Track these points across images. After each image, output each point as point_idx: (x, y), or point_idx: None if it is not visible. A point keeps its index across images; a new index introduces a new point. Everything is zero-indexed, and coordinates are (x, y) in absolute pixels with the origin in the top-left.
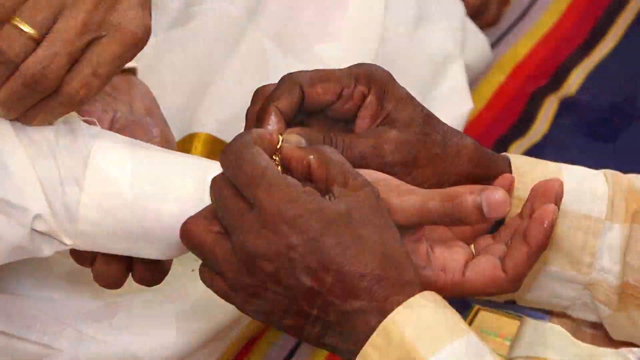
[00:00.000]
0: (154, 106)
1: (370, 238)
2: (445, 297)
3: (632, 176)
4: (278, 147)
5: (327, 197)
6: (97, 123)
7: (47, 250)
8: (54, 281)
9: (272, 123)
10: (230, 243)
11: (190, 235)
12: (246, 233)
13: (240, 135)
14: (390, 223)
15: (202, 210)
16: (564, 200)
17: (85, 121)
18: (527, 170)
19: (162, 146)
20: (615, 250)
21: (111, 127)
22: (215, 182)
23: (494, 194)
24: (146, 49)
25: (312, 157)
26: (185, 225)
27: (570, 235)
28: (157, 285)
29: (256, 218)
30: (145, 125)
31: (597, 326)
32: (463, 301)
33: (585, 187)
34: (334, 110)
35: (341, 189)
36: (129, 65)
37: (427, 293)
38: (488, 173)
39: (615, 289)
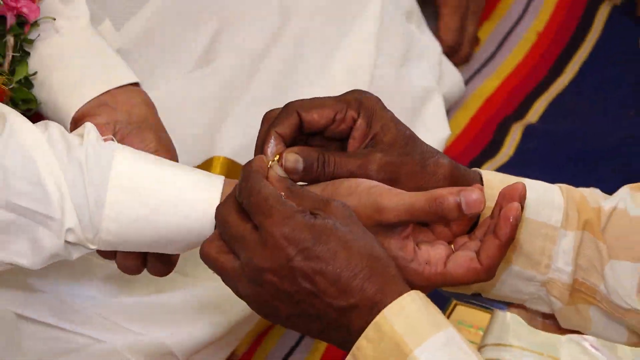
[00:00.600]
0: (151, 116)
1: (355, 243)
2: (430, 288)
3: (583, 190)
4: (269, 165)
5: (313, 216)
6: (114, 139)
7: (75, 254)
8: (96, 284)
9: (271, 146)
10: (239, 261)
11: (206, 257)
12: (252, 252)
13: (246, 165)
14: (366, 230)
15: (215, 232)
16: (526, 210)
17: (105, 139)
18: (496, 183)
19: (164, 155)
20: (568, 254)
21: (114, 136)
22: (219, 210)
23: (471, 194)
24: (172, 87)
25: (282, 193)
26: (203, 249)
27: (531, 241)
28: (184, 288)
29: (259, 238)
30: (142, 132)
31: (548, 316)
32: (443, 297)
33: (544, 199)
34: (330, 131)
35: (323, 210)
36: (130, 80)
37: (413, 292)
38: (456, 184)
39: (567, 286)
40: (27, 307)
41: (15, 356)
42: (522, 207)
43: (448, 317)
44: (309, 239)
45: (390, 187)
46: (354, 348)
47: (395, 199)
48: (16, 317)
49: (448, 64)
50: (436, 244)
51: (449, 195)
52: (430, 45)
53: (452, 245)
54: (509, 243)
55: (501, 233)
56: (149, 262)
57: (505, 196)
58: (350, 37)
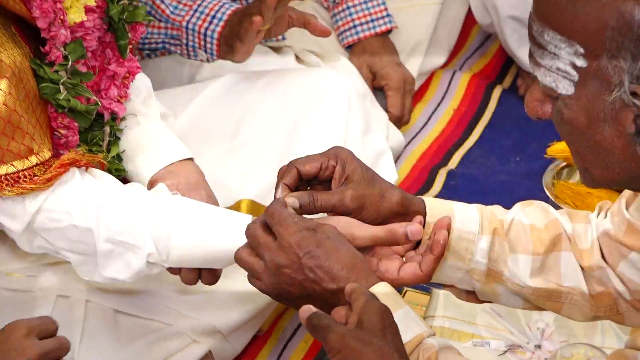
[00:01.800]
0: (201, 179)
1: (342, 247)
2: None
3: (490, 207)
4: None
5: (315, 231)
6: (179, 193)
7: (155, 271)
8: (166, 287)
9: (279, 192)
10: (263, 261)
11: (239, 259)
12: (274, 254)
13: (274, 201)
14: (347, 241)
15: (244, 244)
16: (455, 222)
17: (173, 193)
18: (435, 206)
19: (209, 203)
20: (484, 251)
21: (177, 191)
22: (249, 227)
23: (414, 227)
24: (212, 155)
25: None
26: (236, 254)
27: (459, 243)
28: (225, 287)
29: (278, 244)
30: (197, 191)
31: (470, 292)
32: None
33: (466, 215)
34: (319, 177)
35: (319, 227)
36: (186, 156)
37: (382, 283)
38: (409, 210)
39: (483, 272)
40: (121, 305)
41: (115, 338)
42: (449, 232)
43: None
44: (312, 244)
45: (359, 222)
46: None
47: (364, 231)
48: (114, 312)
49: (393, 128)
50: (392, 258)
51: (399, 228)
52: (380, 116)
53: (404, 258)
54: (440, 257)
55: (435, 251)
56: (202, 275)
57: (438, 225)
58: (328, 115)
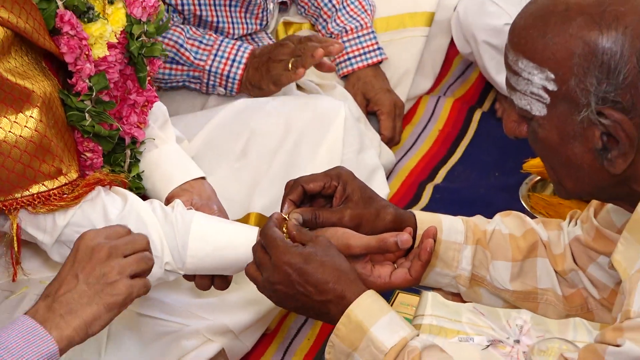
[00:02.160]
0: (213, 195)
1: (328, 262)
2: (382, 291)
3: (474, 218)
4: (286, 221)
5: (304, 246)
6: (193, 208)
7: (171, 278)
8: (183, 292)
9: (286, 208)
10: (262, 277)
11: (247, 273)
12: (268, 272)
13: (268, 220)
14: (339, 253)
15: (252, 260)
16: (443, 233)
17: (188, 208)
18: (424, 220)
19: (221, 217)
20: (468, 258)
21: (192, 206)
22: (253, 248)
23: (403, 236)
24: (223, 173)
25: (294, 232)
26: (245, 269)
27: (446, 252)
28: (236, 291)
29: (271, 264)
30: (209, 206)
31: (456, 294)
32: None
33: (453, 227)
34: (322, 195)
35: (310, 242)
36: (199, 175)
37: (369, 291)
38: (402, 226)
39: (468, 278)
40: (142, 308)
41: (137, 338)
42: (435, 241)
43: (394, 301)
44: (300, 262)
45: (354, 233)
46: (334, 329)
47: (358, 241)
48: (137, 314)
49: (385, 148)
50: (385, 264)
51: (390, 237)
52: (373, 137)
53: (395, 264)
54: (427, 262)
55: (422, 257)
56: (215, 281)
57: (425, 234)
58: (327, 137)
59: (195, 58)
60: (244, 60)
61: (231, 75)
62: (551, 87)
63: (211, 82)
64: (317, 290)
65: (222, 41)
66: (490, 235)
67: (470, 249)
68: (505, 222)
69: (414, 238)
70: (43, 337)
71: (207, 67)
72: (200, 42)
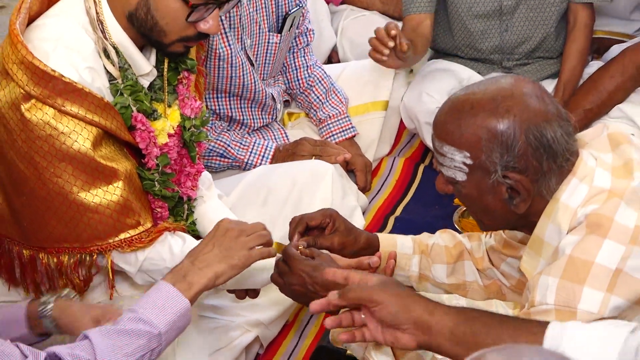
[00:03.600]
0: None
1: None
2: None
3: (421, 236)
4: (299, 248)
5: (312, 259)
6: None
7: (218, 291)
8: (229, 299)
9: (296, 237)
10: (283, 281)
11: (272, 280)
12: (288, 277)
13: (287, 245)
14: (336, 264)
15: (275, 272)
16: (397, 248)
17: None
18: (385, 239)
19: None
20: (416, 264)
21: None
22: (276, 262)
23: (374, 259)
24: (250, 216)
25: (307, 251)
26: (272, 277)
27: (401, 260)
28: (264, 295)
29: (291, 271)
30: None
31: (410, 287)
32: None
33: (404, 243)
34: (320, 227)
35: (317, 257)
36: (235, 219)
37: None
38: (371, 246)
39: (417, 277)
40: (202, 310)
41: (198, 332)
42: (395, 262)
43: None
44: (310, 270)
45: (341, 257)
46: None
47: (344, 262)
48: (198, 315)
49: (361, 194)
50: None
51: (365, 260)
52: (352, 187)
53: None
54: (391, 275)
55: (387, 272)
56: (249, 292)
57: (388, 257)
58: (320, 188)
59: (237, 154)
60: (270, 156)
61: (262, 164)
62: (468, 162)
63: (247, 168)
64: (323, 289)
65: (255, 142)
66: (431, 247)
67: (417, 257)
68: (442, 237)
69: (376, 252)
70: (177, 296)
71: (245, 160)
72: (241, 143)
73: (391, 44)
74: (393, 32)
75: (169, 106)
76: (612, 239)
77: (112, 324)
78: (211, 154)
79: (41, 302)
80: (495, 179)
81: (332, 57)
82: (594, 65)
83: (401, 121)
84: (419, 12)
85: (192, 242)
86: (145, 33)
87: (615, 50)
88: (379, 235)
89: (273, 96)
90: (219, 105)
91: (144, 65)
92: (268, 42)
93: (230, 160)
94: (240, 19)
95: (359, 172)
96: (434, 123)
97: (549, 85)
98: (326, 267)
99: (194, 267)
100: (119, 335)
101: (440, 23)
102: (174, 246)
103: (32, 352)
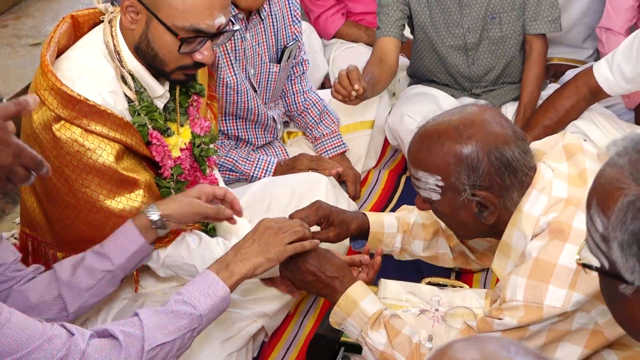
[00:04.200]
0: None
1: (335, 259)
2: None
3: (403, 214)
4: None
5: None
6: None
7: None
8: (238, 293)
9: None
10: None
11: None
12: (297, 273)
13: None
14: (337, 257)
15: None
16: (384, 227)
17: None
18: (374, 219)
19: None
20: (399, 241)
21: None
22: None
23: (364, 257)
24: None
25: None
26: (279, 270)
27: (387, 238)
28: (269, 290)
29: (301, 261)
30: None
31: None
32: None
33: (389, 222)
34: (320, 224)
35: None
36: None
37: (358, 282)
38: (362, 230)
39: (399, 251)
40: None
41: (224, 324)
42: (381, 257)
43: None
44: (316, 260)
45: (338, 253)
46: (337, 303)
47: (340, 257)
48: None
49: (351, 202)
50: (354, 270)
51: (357, 258)
52: (343, 196)
53: (360, 269)
54: (377, 270)
55: (374, 268)
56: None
57: (376, 254)
58: (316, 197)
59: (244, 168)
60: (272, 169)
61: (265, 177)
62: (440, 183)
63: (253, 180)
64: (326, 276)
65: (259, 158)
66: (412, 226)
67: (400, 235)
68: (421, 215)
69: (366, 234)
70: (219, 283)
71: (251, 173)
72: (247, 159)
73: (354, 93)
74: (355, 84)
75: (182, 125)
76: (572, 243)
77: (161, 305)
78: (221, 169)
79: (144, 213)
80: (465, 197)
81: (325, 83)
82: (552, 88)
83: (385, 138)
84: (387, 36)
85: (208, 241)
86: (149, 63)
87: (569, 74)
88: (369, 217)
89: (274, 118)
90: (227, 126)
91: (157, 89)
92: (269, 72)
93: (238, 174)
94: (244, 52)
95: (350, 183)
96: (409, 152)
97: (513, 107)
98: (331, 257)
99: (236, 258)
100: (165, 315)
101: (421, 53)
102: (191, 243)
103: (78, 330)
